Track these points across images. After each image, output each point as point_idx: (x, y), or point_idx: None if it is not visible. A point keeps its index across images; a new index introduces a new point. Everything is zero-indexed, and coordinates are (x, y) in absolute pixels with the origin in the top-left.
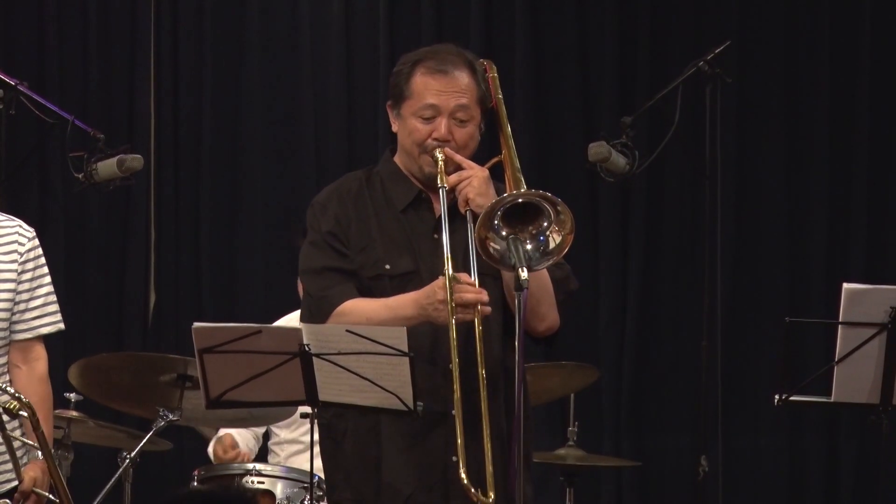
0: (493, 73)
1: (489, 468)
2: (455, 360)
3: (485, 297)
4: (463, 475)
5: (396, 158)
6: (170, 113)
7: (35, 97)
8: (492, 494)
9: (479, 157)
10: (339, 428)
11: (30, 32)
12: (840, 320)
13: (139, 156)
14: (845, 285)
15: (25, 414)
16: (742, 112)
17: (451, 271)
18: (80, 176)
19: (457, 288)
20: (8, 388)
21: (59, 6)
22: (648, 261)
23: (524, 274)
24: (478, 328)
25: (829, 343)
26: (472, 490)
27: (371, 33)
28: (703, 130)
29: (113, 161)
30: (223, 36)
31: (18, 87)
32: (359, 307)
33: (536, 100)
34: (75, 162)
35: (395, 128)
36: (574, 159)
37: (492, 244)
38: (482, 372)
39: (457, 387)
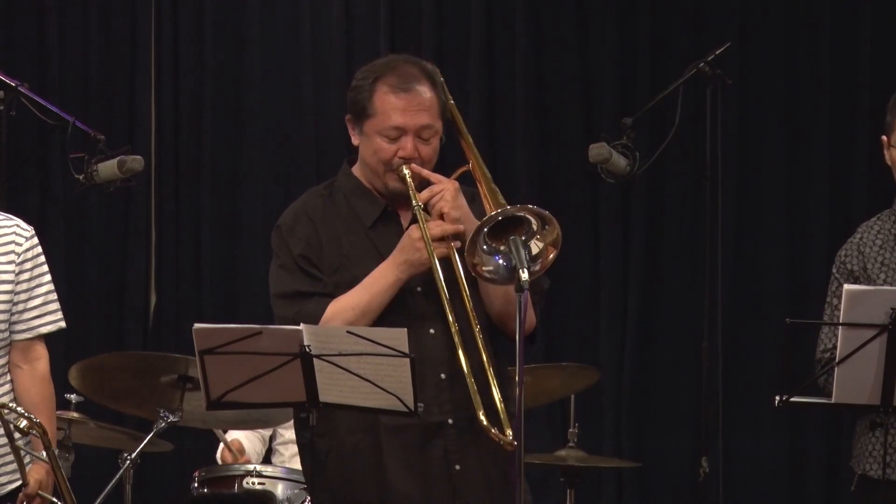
0: (440, 79)
1: (500, 406)
2: (441, 289)
3: (460, 227)
4: (482, 417)
5: (356, 171)
6: (170, 114)
7: (36, 98)
8: (509, 432)
9: (438, 166)
10: (320, 448)
11: (30, 34)
12: (841, 321)
13: (139, 157)
14: (846, 286)
15: (36, 433)
16: (742, 113)
17: (421, 206)
18: (81, 177)
19: (432, 224)
20: (20, 410)
21: (59, 7)
22: (649, 262)
23: (524, 275)
24: (479, 336)
25: None
26: (493, 430)
27: (372, 34)
28: (703, 131)
29: (113, 162)
30: (223, 36)
31: (19, 88)
32: (337, 306)
33: (537, 101)
34: (76, 163)
35: (355, 142)
36: (575, 160)
37: (483, 268)
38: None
39: (449, 309)
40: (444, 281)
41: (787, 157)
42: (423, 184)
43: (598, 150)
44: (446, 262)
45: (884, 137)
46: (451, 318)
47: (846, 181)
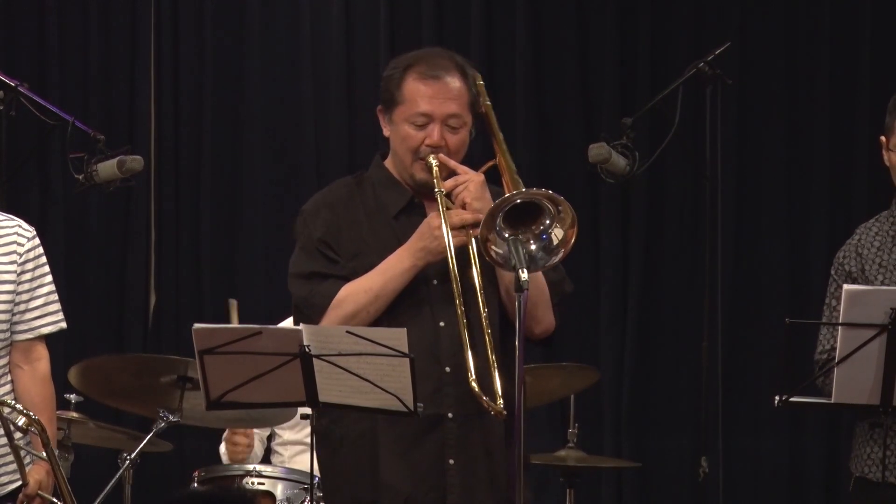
0: (479, 82)
1: (495, 374)
2: (454, 278)
3: (480, 216)
4: (473, 384)
5: (387, 163)
6: (170, 114)
7: (35, 98)
8: (501, 401)
9: (469, 161)
10: (335, 434)
11: (30, 34)
12: (840, 321)
13: (139, 157)
14: (846, 286)
15: (35, 430)
16: (742, 113)
17: (443, 192)
18: (81, 177)
19: (452, 213)
20: (19, 407)
21: (59, 7)
22: (649, 262)
23: (524, 275)
24: (485, 320)
25: None
26: (484, 398)
27: (372, 34)
28: (703, 131)
29: (113, 162)
30: (223, 36)
31: (19, 88)
32: (351, 289)
33: (537, 100)
34: (76, 163)
35: (386, 133)
36: (574, 160)
37: (493, 247)
38: (493, 360)
39: (459, 303)
40: (460, 270)
41: (787, 157)
42: (450, 175)
43: (598, 150)
44: (463, 252)
45: (882, 138)
46: (458, 302)
47: (846, 181)
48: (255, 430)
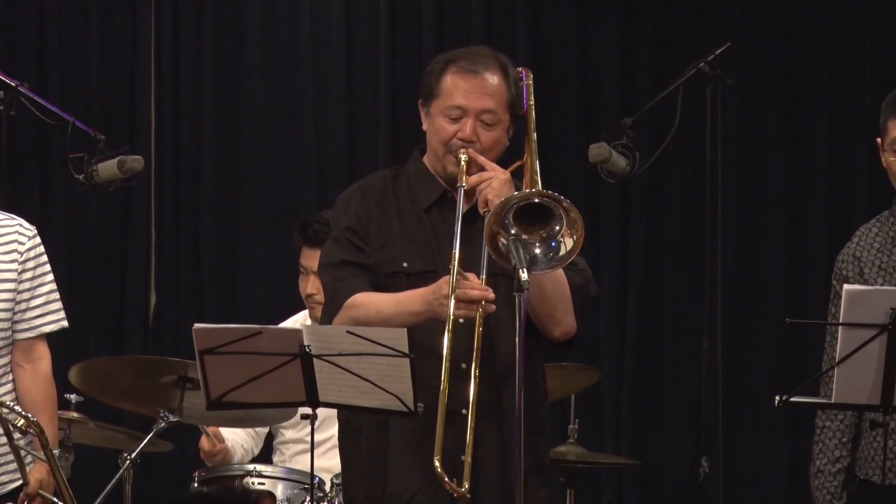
0: (528, 81)
1: (468, 459)
2: (446, 357)
3: (490, 295)
4: (437, 463)
5: (425, 158)
6: (170, 114)
7: (36, 98)
8: (466, 484)
9: (504, 162)
10: (356, 425)
11: (30, 34)
12: (841, 321)
13: (140, 157)
14: (846, 286)
15: (34, 432)
16: (742, 113)
17: (457, 266)
18: (81, 177)
19: (464, 284)
20: (18, 409)
21: (59, 7)
22: (649, 262)
23: (524, 276)
24: (478, 329)
25: None
26: (447, 479)
27: (372, 34)
28: (703, 131)
29: (114, 162)
30: (223, 36)
31: (19, 88)
32: (369, 300)
33: (537, 101)
34: (76, 163)
35: (425, 126)
36: (575, 160)
37: (501, 240)
38: (475, 370)
39: (445, 378)
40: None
41: (787, 157)
42: (478, 170)
43: (598, 150)
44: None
45: (878, 140)
46: (446, 357)
47: (846, 181)
48: (242, 429)
